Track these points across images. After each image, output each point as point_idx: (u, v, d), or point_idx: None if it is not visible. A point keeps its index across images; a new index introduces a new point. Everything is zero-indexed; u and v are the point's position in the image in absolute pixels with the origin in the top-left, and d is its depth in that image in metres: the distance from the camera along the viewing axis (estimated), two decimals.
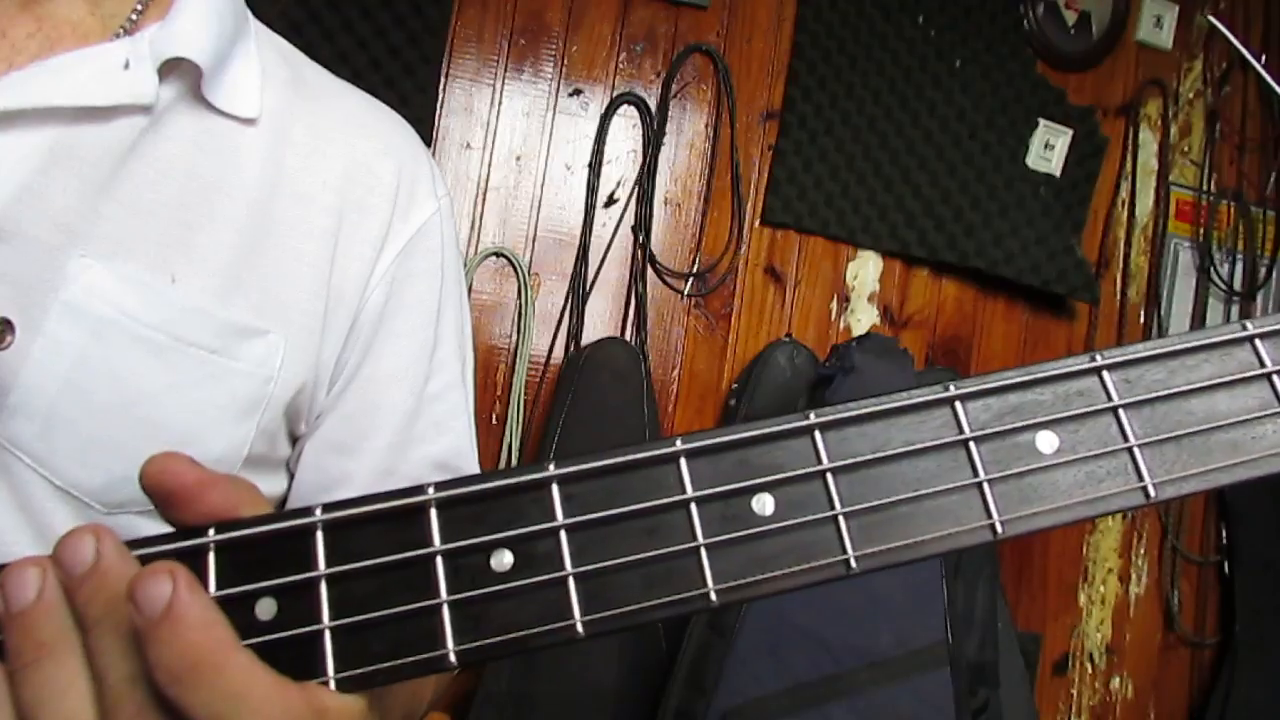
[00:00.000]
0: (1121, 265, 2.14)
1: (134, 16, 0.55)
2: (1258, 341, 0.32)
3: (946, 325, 2.01)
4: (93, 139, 0.51)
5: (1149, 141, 2.16)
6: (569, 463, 0.31)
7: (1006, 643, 1.80)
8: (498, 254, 1.77)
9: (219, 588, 0.31)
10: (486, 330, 1.76)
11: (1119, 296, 2.14)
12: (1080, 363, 0.32)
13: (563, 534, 0.31)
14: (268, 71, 0.60)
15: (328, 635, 0.31)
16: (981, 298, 2.03)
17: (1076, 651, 2.10)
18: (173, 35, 0.53)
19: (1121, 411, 0.32)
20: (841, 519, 0.31)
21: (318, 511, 0.31)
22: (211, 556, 0.31)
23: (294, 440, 0.64)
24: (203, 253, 0.55)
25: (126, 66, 0.51)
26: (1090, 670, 2.11)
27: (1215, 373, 0.32)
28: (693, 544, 0.31)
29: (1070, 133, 2.01)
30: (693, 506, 0.31)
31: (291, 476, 0.65)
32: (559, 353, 1.79)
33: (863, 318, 1.95)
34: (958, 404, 0.32)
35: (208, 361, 0.54)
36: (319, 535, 0.31)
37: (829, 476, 0.31)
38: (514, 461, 1.74)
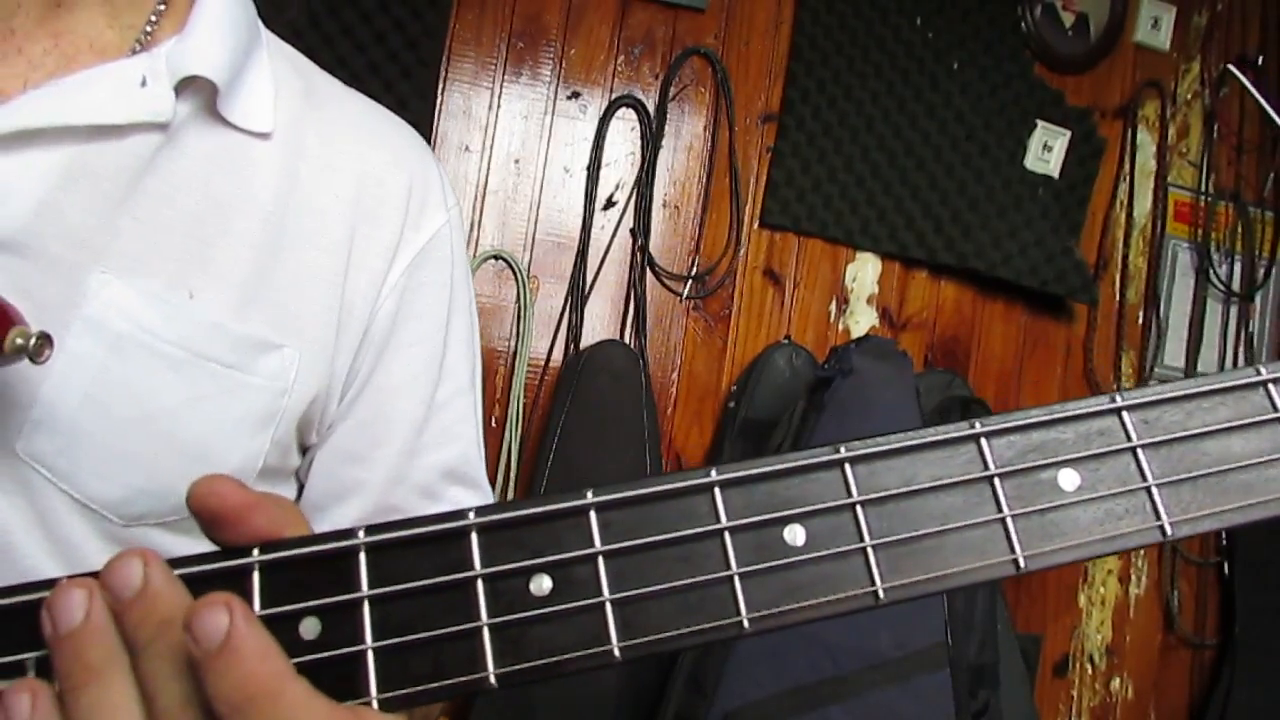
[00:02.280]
0: (1120, 266, 2.14)
1: (149, 29, 0.55)
2: (1270, 386, 0.33)
3: (945, 327, 2.01)
4: (110, 156, 0.51)
5: (1147, 143, 2.16)
6: (606, 490, 0.32)
7: (1006, 644, 1.80)
8: (496, 257, 1.77)
9: (264, 607, 0.31)
10: (486, 333, 1.76)
11: (1118, 298, 2.14)
12: (1101, 403, 0.34)
13: (600, 560, 0.32)
14: (280, 83, 0.60)
15: (370, 655, 0.31)
16: (980, 299, 2.03)
17: (1076, 653, 2.10)
18: (189, 51, 0.54)
19: (1140, 451, 0.33)
20: (870, 550, 0.32)
21: (361, 534, 0.32)
22: (256, 576, 0.32)
23: (304, 450, 0.64)
24: (219, 268, 0.55)
25: (144, 84, 0.52)
26: (1090, 671, 2.11)
27: (1230, 416, 0.34)
28: (727, 573, 0.32)
29: (1068, 134, 2.01)
30: (726, 536, 0.32)
31: (301, 486, 0.65)
32: (558, 355, 1.79)
33: (861, 320, 1.96)
34: (983, 440, 0.33)
35: (225, 376, 0.55)
36: (362, 557, 0.32)
37: (859, 509, 0.32)
38: (513, 464, 1.74)
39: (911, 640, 1.55)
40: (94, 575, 0.31)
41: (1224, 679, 2.10)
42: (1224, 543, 2.17)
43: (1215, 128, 2.19)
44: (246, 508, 0.33)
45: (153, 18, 0.56)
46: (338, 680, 0.31)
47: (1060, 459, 0.33)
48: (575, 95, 1.82)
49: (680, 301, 1.86)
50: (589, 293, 1.80)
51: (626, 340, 1.82)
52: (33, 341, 0.43)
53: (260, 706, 0.29)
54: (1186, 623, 2.16)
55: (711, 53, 1.87)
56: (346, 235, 0.60)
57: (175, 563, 0.32)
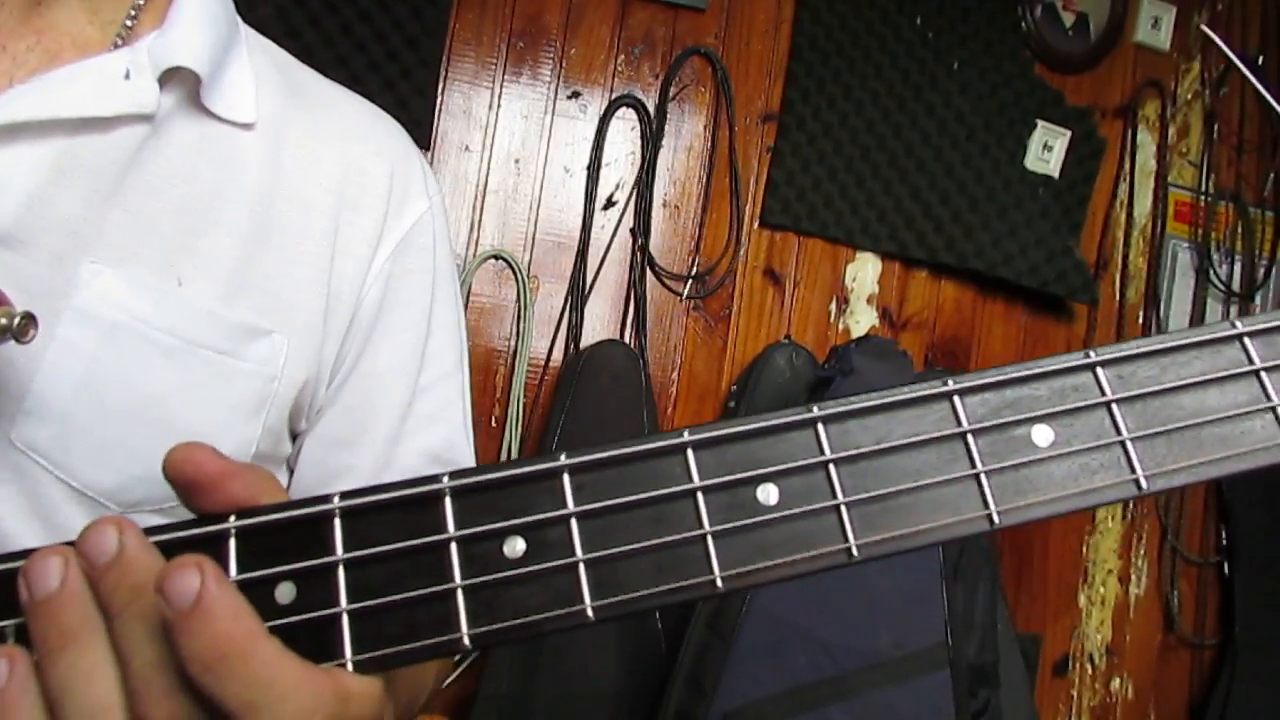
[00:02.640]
0: (1120, 266, 2.14)
1: (129, 24, 0.56)
2: (1246, 339, 0.33)
3: (945, 327, 2.01)
4: (96, 148, 0.52)
5: (1147, 142, 2.16)
6: (579, 453, 0.32)
7: (1006, 644, 1.80)
8: (496, 256, 1.77)
9: (239, 572, 0.32)
10: (486, 333, 1.76)
11: (1118, 297, 2.14)
12: (1075, 359, 0.34)
13: (574, 521, 0.32)
14: (261, 77, 0.62)
15: (345, 618, 0.31)
16: (980, 299, 2.03)
17: (1076, 652, 2.10)
18: (171, 44, 0.55)
19: (1115, 406, 0.33)
20: (843, 508, 0.32)
21: (335, 499, 0.32)
22: (233, 543, 0.32)
23: (294, 437, 0.65)
24: (207, 256, 0.56)
25: (127, 76, 0.53)
26: (1090, 671, 2.11)
27: (1205, 369, 0.33)
28: (699, 532, 0.32)
29: (1068, 134, 2.01)
30: (699, 496, 0.32)
31: (291, 472, 0.66)
32: (558, 355, 1.79)
33: (862, 319, 1.95)
34: (956, 398, 0.33)
35: (216, 362, 0.56)
36: (337, 522, 0.32)
37: (831, 467, 0.32)
38: None
39: (911, 640, 1.55)
40: (70, 544, 0.32)
41: (1224, 679, 2.10)
42: (1224, 543, 2.17)
43: (1215, 128, 2.19)
44: (223, 475, 0.33)
45: (132, 12, 0.56)
46: (313, 643, 0.31)
47: (1034, 415, 0.33)
48: (575, 95, 1.82)
49: (680, 301, 1.86)
50: (589, 292, 1.80)
51: (626, 340, 1.82)
52: (16, 321, 0.43)
53: (232, 665, 0.29)
54: (1186, 623, 2.16)
55: (712, 52, 1.87)
56: (331, 224, 0.61)
57: (151, 530, 0.32)
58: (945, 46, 1.94)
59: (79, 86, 0.51)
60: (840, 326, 1.95)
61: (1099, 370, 0.33)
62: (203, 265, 0.56)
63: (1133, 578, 2.15)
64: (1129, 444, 0.33)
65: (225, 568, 0.31)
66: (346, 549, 0.32)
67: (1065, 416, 0.33)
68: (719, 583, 0.31)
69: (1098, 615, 2.12)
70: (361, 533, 0.32)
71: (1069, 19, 2.05)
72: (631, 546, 0.32)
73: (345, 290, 0.62)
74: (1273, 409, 0.33)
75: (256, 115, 0.59)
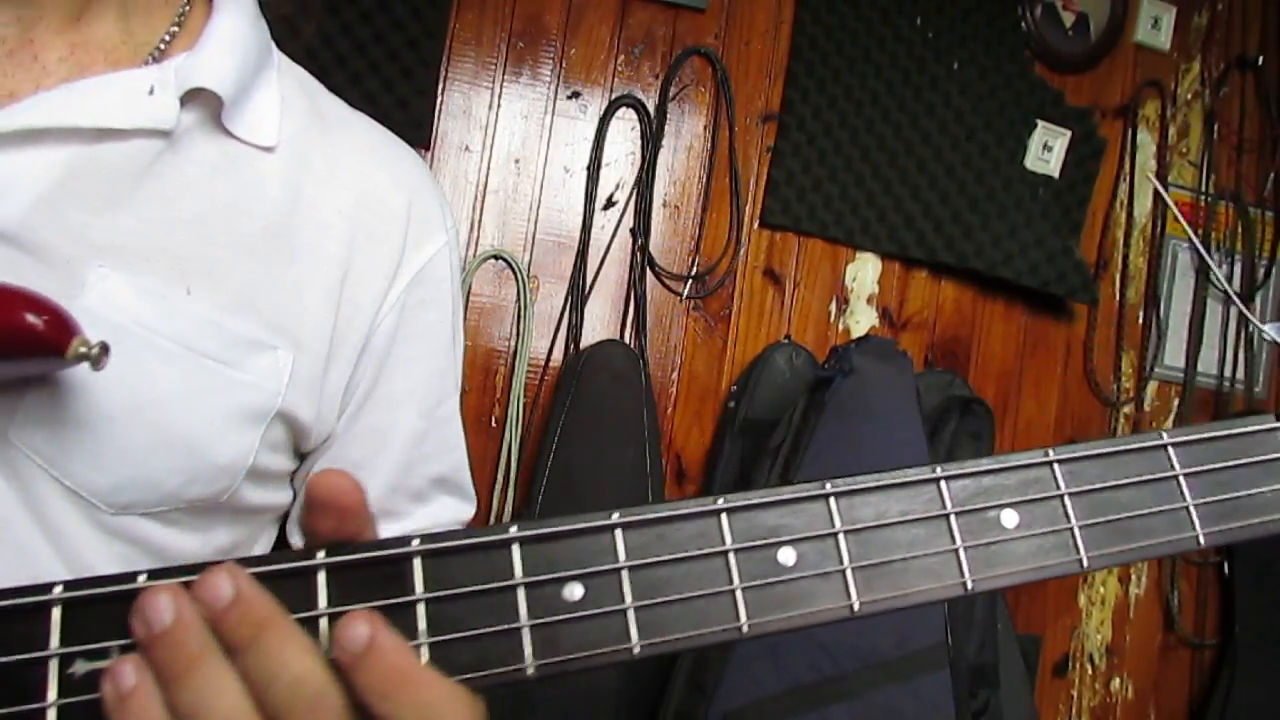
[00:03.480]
0: (1120, 266, 2.14)
1: (162, 45, 0.58)
2: (1170, 449, 0.42)
3: (945, 327, 2.01)
4: (110, 158, 0.53)
5: (1147, 143, 2.16)
6: (630, 512, 0.38)
7: (1006, 644, 1.80)
8: (496, 256, 1.77)
9: (329, 605, 0.36)
10: (486, 333, 1.76)
11: (1118, 298, 2.14)
12: (1036, 457, 0.42)
13: (625, 573, 0.37)
14: (287, 101, 0.63)
15: (425, 650, 0.36)
16: (980, 299, 2.03)
17: (1076, 653, 2.10)
18: (198, 65, 0.56)
19: (1068, 499, 0.41)
20: (849, 572, 0.38)
21: (415, 542, 0.36)
22: (322, 576, 0.36)
23: (301, 457, 0.66)
24: (218, 268, 0.57)
25: (151, 93, 0.54)
26: (1090, 671, 2.11)
27: (1138, 471, 0.42)
28: (731, 587, 0.38)
29: (1068, 134, 2.01)
30: (731, 555, 0.38)
31: (296, 493, 0.68)
32: (558, 355, 1.79)
33: (862, 319, 1.96)
34: (943, 483, 0.40)
35: (217, 372, 0.56)
36: (417, 562, 0.36)
37: (841, 537, 0.39)
38: (513, 463, 1.74)
39: (912, 640, 1.55)
40: (184, 582, 0.35)
41: (1224, 679, 2.10)
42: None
43: (1215, 128, 2.19)
44: (356, 509, 0.37)
45: (166, 36, 0.58)
46: None
47: (1004, 501, 0.41)
48: (575, 95, 1.82)
49: (680, 301, 1.86)
50: (589, 293, 1.80)
51: (626, 340, 1.82)
52: (94, 350, 0.47)
53: (405, 690, 0.34)
54: (1186, 623, 2.16)
55: (712, 52, 1.87)
56: (346, 250, 0.62)
57: (247, 561, 0.36)
58: (945, 46, 1.94)
59: (101, 98, 0.53)
60: (840, 326, 1.95)
61: (1055, 467, 0.41)
62: (212, 276, 0.57)
63: (1133, 578, 2.15)
64: (1076, 530, 0.41)
65: (315, 599, 0.36)
66: (426, 588, 0.36)
67: (1029, 505, 0.41)
68: (745, 629, 0.37)
69: (1098, 615, 2.12)
70: (438, 573, 0.36)
71: (1069, 19, 2.05)
72: (674, 597, 0.37)
73: (358, 317, 0.63)
74: (1186, 508, 0.42)
75: (278, 139, 0.61)
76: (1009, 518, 0.40)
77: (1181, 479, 0.42)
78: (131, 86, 0.54)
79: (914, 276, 1.99)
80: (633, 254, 1.83)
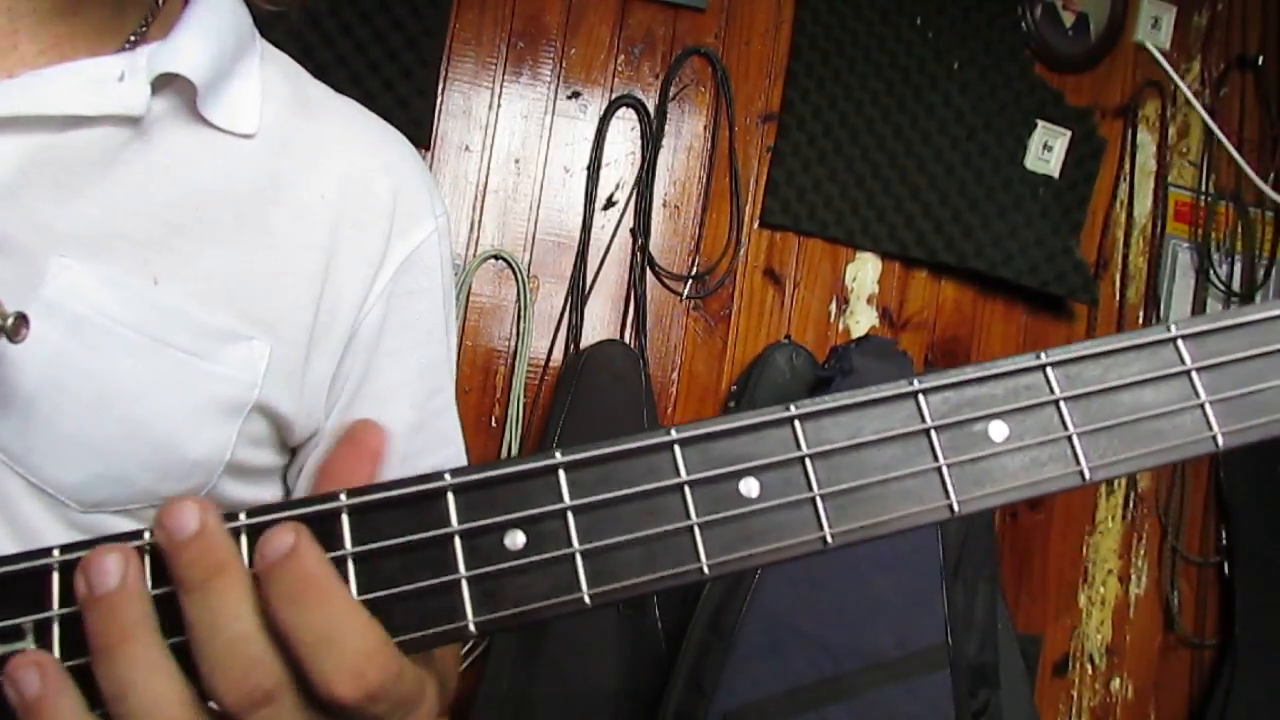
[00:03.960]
0: (1120, 266, 2.14)
1: (141, 31, 0.56)
2: (1180, 342, 0.37)
3: (945, 327, 2.01)
4: (77, 145, 0.52)
5: (1147, 142, 2.16)
6: (574, 450, 0.34)
7: (1006, 644, 1.80)
8: (496, 256, 1.77)
9: (250, 566, 0.34)
10: (486, 333, 1.76)
11: (1118, 298, 2.14)
12: (1028, 360, 0.37)
13: (570, 515, 0.34)
14: (269, 89, 0.61)
15: None
16: (980, 299, 2.03)
17: (1077, 652, 2.10)
18: (171, 52, 0.54)
19: (1063, 404, 0.36)
20: (819, 500, 0.35)
21: (343, 496, 0.34)
22: (244, 539, 0.34)
23: (291, 452, 0.64)
24: (189, 257, 0.55)
25: (121, 79, 0.52)
26: (1090, 671, 2.11)
27: (1143, 369, 0.37)
28: (688, 523, 0.34)
29: (1068, 134, 2.01)
30: (687, 489, 0.34)
31: (288, 490, 0.66)
32: (558, 355, 1.79)
33: (862, 319, 1.96)
34: (921, 396, 0.36)
35: (186, 363, 0.55)
36: (345, 518, 0.34)
37: (808, 462, 0.35)
38: None
39: (911, 640, 1.55)
40: (131, 535, 0.34)
41: (1224, 679, 2.10)
42: (1224, 543, 2.17)
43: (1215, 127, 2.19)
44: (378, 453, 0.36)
45: (143, 25, 0.57)
46: None
47: (991, 412, 0.36)
48: (575, 95, 1.82)
49: (680, 301, 1.86)
50: (589, 293, 1.80)
51: (626, 340, 1.82)
52: (9, 321, 0.44)
53: (315, 600, 0.32)
54: (1186, 623, 2.16)
55: (712, 52, 1.87)
56: (328, 237, 0.60)
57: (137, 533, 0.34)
58: (945, 46, 1.94)
59: (66, 85, 0.51)
60: (840, 326, 1.95)
61: (1049, 370, 0.37)
62: (183, 265, 0.55)
63: (1133, 578, 2.15)
64: (1075, 438, 0.36)
65: (243, 560, 0.33)
66: (354, 543, 0.33)
67: (1019, 413, 0.36)
68: (706, 569, 0.34)
69: (1098, 615, 2.12)
70: (368, 528, 0.34)
71: (1069, 19, 2.05)
72: (625, 538, 0.34)
73: (343, 307, 0.61)
74: (1201, 405, 0.37)
75: (258, 126, 0.59)
76: (997, 430, 0.36)
77: (1194, 374, 0.37)
78: (101, 73, 0.52)
79: (914, 276, 1.99)
80: (633, 254, 1.83)
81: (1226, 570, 2.16)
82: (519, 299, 1.77)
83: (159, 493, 0.56)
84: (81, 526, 0.54)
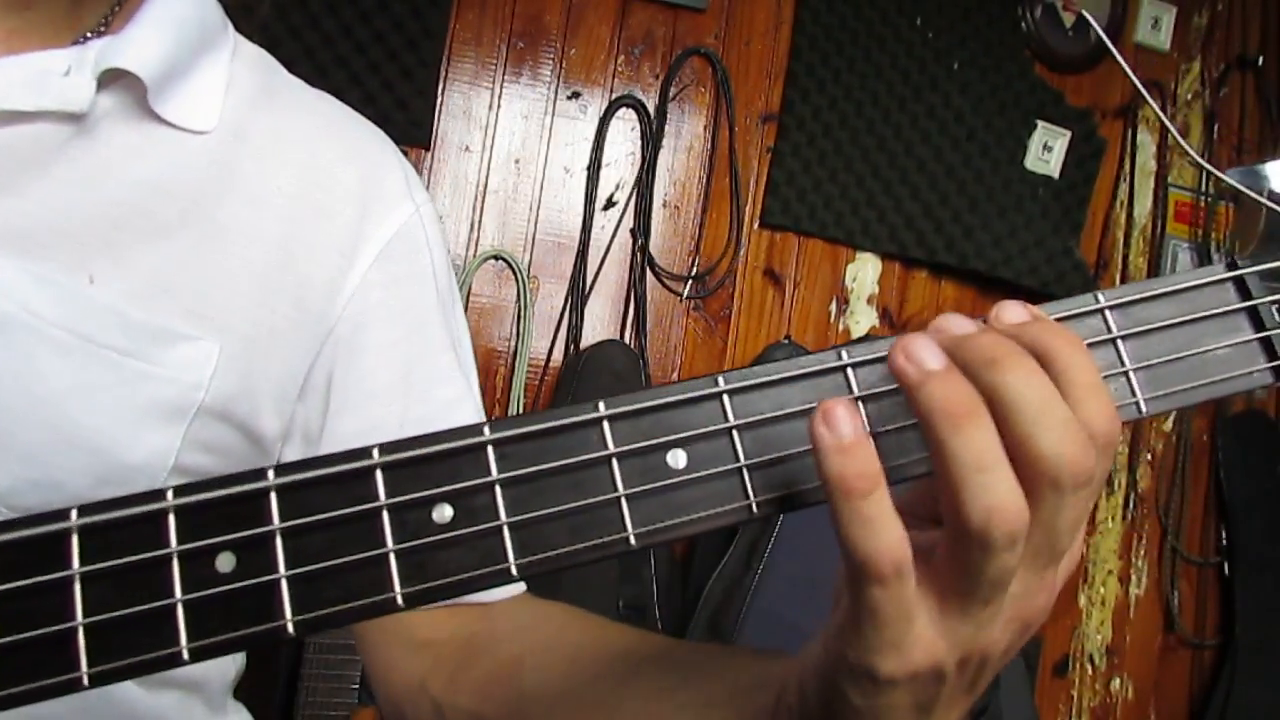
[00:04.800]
0: (1120, 267, 2.14)
1: (101, 27, 0.55)
2: (849, 370, 0.37)
3: None
4: (13, 140, 0.50)
5: (1147, 143, 2.16)
6: (502, 425, 0.35)
7: None
8: (496, 257, 1.77)
9: (180, 543, 0.33)
10: (486, 333, 1.76)
11: None
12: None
13: (497, 488, 0.34)
14: (235, 83, 0.59)
15: (284, 584, 0.33)
16: (980, 299, 2.03)
17: (1076, 653, 2.10)
18: (121, 46, 0.53)
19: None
20: (745, 471, 0.35)
21: (270, 474, 0.34)
22: (172, 519, 0.34)
23: (264, 452, 0.61)
24: (130, 255, 0.53)
25: (66, 74, 0.51)
26: (1090, 672, 2.11)
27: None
28: (614, 495, 0.35)
29: (1068, 134, 2.01)
30: (614, 461, 0.35)
31: None
32: (558, 355, 1.79)
33: (862, 320, 1.96)
34: (849, 370, 0.37)
35: (120, 365, 0.52)
36: (273, 496, 0.34)
37: (734, 433, 0.36)
38: None
39: None
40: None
41: (1224, 679, 2.10)
42: (1224, 543, 2.17)
43: (1215, 128, 2.19)
44: None
45: (105, 18, 0.55)
46: (254, 608, 0.33)
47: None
48: (575, 95, 1.82)
49: (680, 301, 1.86)
50: (589, 293, 1.80)
51: (627, 340, 1.82)
52: None
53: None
54: (1186, 623, 2.16)
55: (712, 53, 1.87)
56: (287, 229, 0.58)
57: (90, 508, 0.34)
58: (945, 47, 1.94)
59: (4, 79, 0.50)
60: (840, 327, 1.95)
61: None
62: (122, 263, 0.53)
63: (1133, 578, 2.15)
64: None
65: (165, 541, 0.33)
66: (283, 519, 0.34)
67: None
68: (632, 540, 0.34)
69: (1098, 615, 2.12)
70: (298, 505, 0.34)
71: (1069, 19, 2.05)
72: (552, 510, 0.34)
73: (311, 297, 0.59)
74: (1125, 373, 0.38)
75: (217, 123, 0.57)
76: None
77: (1119, 342, 0.39)
78: (44, 67, 0.50)
79: (914, 277, 1.99)
80: (633, 254, 1.83)
81: (1226, 570, 2.16)
82: (519, 299, 1.77)
83: (96, 499, 0.54)
84: None
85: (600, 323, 1.82)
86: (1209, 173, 2.17)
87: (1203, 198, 2.19)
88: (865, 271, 1.95)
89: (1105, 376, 0.36)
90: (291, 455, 0.62)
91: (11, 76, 0.50)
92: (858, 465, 0.32)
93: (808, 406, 0.36)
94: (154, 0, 0.56)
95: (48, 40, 0.53)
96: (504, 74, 1.79)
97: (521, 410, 1.75)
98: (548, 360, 1.78)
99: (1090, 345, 0.37)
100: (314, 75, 0.68)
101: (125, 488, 0.53)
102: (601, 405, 0.35)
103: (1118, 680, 2.13)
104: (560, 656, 0.54)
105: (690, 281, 1.86)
